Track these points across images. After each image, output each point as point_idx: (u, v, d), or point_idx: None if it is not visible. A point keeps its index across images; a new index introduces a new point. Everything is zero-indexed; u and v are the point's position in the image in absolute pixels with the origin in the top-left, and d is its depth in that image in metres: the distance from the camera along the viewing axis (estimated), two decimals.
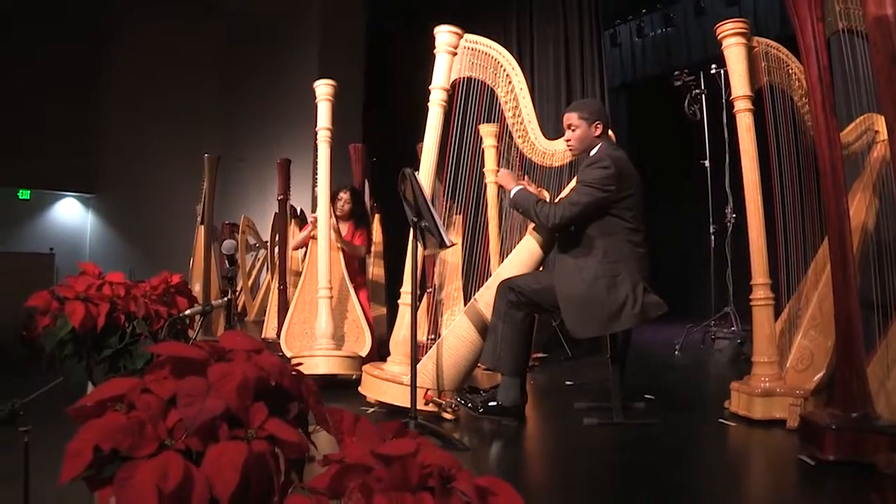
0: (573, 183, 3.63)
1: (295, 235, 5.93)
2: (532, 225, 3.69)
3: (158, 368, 1.16)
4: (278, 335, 4.90)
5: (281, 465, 1.09)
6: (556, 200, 3.47)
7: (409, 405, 3.07)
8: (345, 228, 5.10)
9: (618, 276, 3.22)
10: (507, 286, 3.37)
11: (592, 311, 3.22)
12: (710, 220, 6.34)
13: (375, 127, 9.04)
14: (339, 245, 4.90)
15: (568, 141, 3.51)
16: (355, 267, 5.13)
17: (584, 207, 3.27)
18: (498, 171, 5.08)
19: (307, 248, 5.17)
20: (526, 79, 3.81)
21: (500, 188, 5.08)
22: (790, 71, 3.56)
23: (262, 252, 8.56)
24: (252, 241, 8.34)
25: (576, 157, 3.65)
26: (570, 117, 3.48)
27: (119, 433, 1.03)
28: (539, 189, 3.81)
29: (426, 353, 3.64)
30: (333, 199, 4.95)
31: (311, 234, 4.96)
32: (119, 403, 1.10)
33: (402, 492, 0.88)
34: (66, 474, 1.02)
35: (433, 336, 4.59)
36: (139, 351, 2.21)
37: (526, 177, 3.76)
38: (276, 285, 5.92)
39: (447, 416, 3.45)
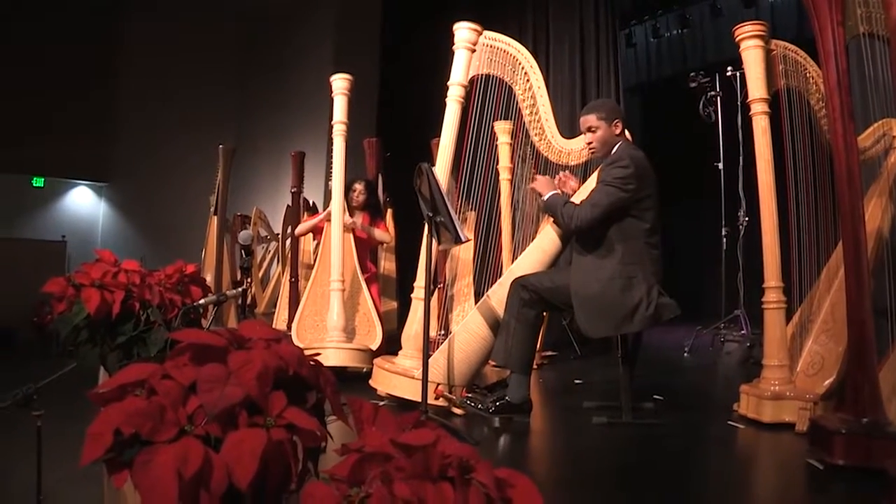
0: (589, 182, 3.62)
1: None
2: (545, 224, 3.69)
3: (179, 355, 1.17)
4: (288, 327, 4.91)
5: (299, 454, 1.09)
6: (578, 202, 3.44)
7: (419, 399, 3.08)
8: (360, 220, 5.11)
9: (633, 279, 3.21)
10: (520, 284, 3.37)
11: (606, 311, 3.21)
12: (723, 222, 6.31)
13: (390, 122, 9.04)
14: (364, 232, 4.92)
15: (589, 143, 3.46)
16: (367, 260, 5.13)
17: (606, 208, 3.24)
18: (510, 170, 5.09)
19: (320, 240, 5.17)
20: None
21: (514, 186, 5.09)
22: (808, 74, 3.54)
23: (272, 244, 8.58)
24: (263, 232, 8.35)
25: (595, 157, 3.63)
26: (589, 119, 3.42)
27: (140, 417, 1.04)
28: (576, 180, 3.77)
29: (437, 348, 3.65)
30: (347, 190, 4.96)
31: (325, 219, 4.95)
32: (140, 388, 1.11)
33: (423, 481, 0.89)
34: (86, 457, 1.02)
35: (443, 332, 4.60)
36: (153, 338, 2.22)
37: (563, 173, 3.71)
38: (288, 277, 5.92)
39: (457, 411, 3.47)
